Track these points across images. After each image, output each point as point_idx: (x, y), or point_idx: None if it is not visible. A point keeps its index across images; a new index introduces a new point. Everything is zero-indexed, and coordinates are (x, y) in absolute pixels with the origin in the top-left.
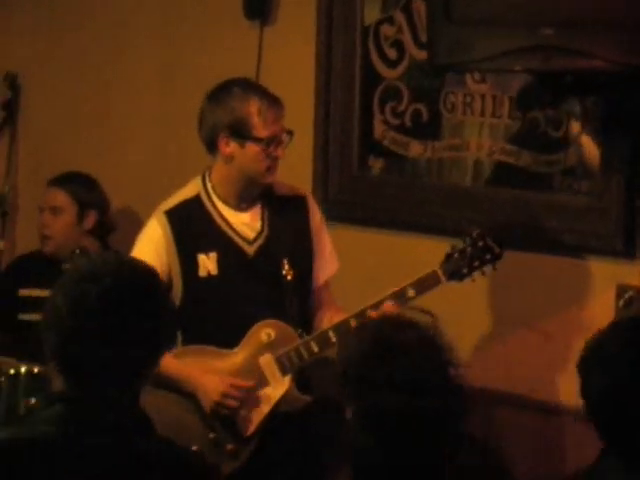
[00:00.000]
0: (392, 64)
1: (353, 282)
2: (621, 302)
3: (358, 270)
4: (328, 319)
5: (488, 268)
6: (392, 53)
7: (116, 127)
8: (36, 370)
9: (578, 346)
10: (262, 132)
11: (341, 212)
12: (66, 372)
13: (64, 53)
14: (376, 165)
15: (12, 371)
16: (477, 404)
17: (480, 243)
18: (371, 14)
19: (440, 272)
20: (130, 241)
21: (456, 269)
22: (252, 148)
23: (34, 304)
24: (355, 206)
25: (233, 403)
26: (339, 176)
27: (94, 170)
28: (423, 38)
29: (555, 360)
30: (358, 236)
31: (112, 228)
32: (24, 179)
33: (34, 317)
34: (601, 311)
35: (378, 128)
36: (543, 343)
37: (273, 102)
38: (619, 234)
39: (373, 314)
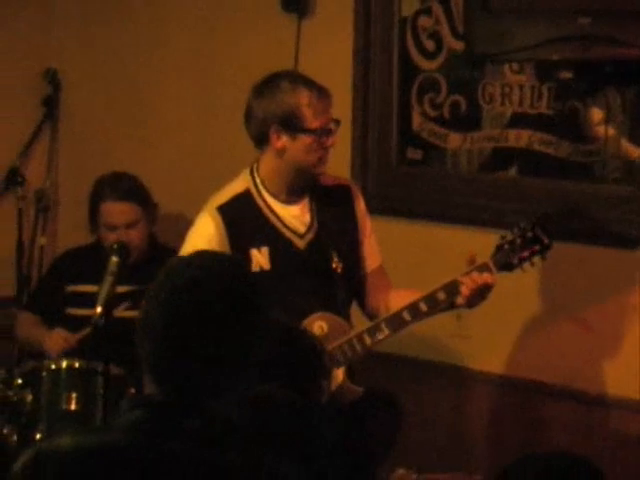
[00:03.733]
0: (430, 56)
1: (393, 274)
2: None
3: (397, 262)
4: (384, 307)
5: (537, 259)
6: (430, 45)
7: (155, 121)
8: (77, 365)
9: (619, 336)
10: (313, 123)
11: (380, 204)
12: (160, 382)
13: (104, 48)
14: (415, 157)
15: (53, 366)
16: (517, 394)
17: (529, 234)
18: (409, 5)
19: (491, 263)
20: (169, 235)
21: (506, 260)
22: (304, 140)
23: (83, 299)
24: (394, 198)
25: None
26: (378, 168)
27: (134, 165)
28: (460, 29)
29: (596, 350)
30: (397, 228)
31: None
32: (65, 175)
33: (82, 312)
34: None
35: (416, 120)
36: (584, 333)
37: (321, 92)
38: None
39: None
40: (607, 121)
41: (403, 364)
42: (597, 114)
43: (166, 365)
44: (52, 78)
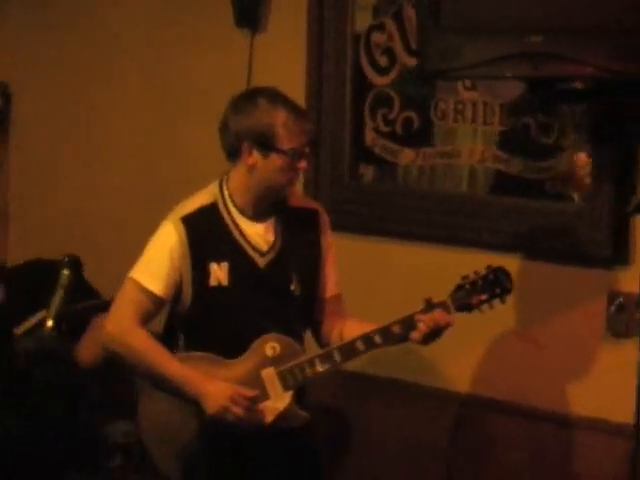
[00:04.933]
0: (383, 71)
1: (345, 290)
2: (612, 308)
3: (350, 278)
4: (337, 334)
5: (497, 302)
6: (383, 60)
7: (106, 136)
8: None
9: (569, 353)
10: (287, 144)
11: (332, 220)
12: None
13: (54, 62)
14: (367, 173)
15: None
16: (468, 411)
17: (491, 276)
18: (362, 21)
19: (449, 302)
20: (130, 242)
21: (466, 301)
22: (276, 160)
23: None
24: (346, 214)
25: (239, 410)
26: (330, 184)
27: (84, 179)
28: (414, 45)
29: (546, 367)
30: (349, 244)
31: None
32: (16, 187)
33: None
34: (592, 318)
35: (369, 135)
36: (534, 350)
37: (299, 114)
38: (609, 240)
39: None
40: (558, 138)
41: (352, 380)
42: (549, 131)
43: None
44: (2, 91)
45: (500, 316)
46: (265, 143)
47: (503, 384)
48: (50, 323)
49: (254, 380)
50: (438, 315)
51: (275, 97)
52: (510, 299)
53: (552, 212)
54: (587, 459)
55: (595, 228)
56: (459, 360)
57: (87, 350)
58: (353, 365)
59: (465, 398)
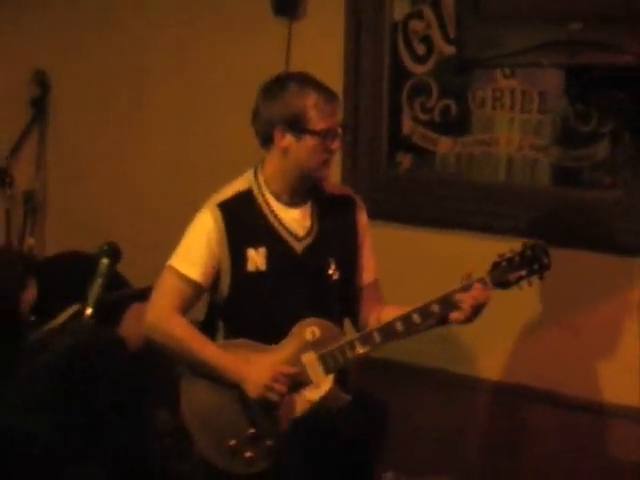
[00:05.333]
0: (421, 60)
1: (381, 279)
2: None
3: (385, 267)
4: (375, 318)
5: (534, 278)
6: (421, 49)
7: (144, 123)
8: None
9: (607, 342)
10: (318, 125)
11: (370, 208)
12: None
13: (92, 50)
14: (405, 161)
15: None
16: (502, 399)
17: (528, 253)
18: (400, 9)
19: (488, 279)
20: (164, 232)
21: (503, 278)
22: (308, 141)
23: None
24: (383, 202)
25: (282, 388)
26: (368, 172)
27: (121, 166)
28: (452, 33)
29: (584, 356)
30: (385, 232)
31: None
32: (53, 176)
33: None
34: (629, 307)
35: (407, 124)
36: (572, 339)
37: (329, 95)
38: None
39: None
40: (597, 126)
41: (391, 368)
42: (587, 119)
43: None
44: (41, 79)
45: (535, 304)
46: (297, 125)
47: (538, 372)
48: (89, 311)
49: (295, 365)
50: (476, 292)
51: (304, 80)
52: (546, 288)
53: (590, 201)
54: (622, 447)
55: (633, 216)
56: (493, 348)
57: (126, 339)
58: (392, 353)
59: (502, 386)
